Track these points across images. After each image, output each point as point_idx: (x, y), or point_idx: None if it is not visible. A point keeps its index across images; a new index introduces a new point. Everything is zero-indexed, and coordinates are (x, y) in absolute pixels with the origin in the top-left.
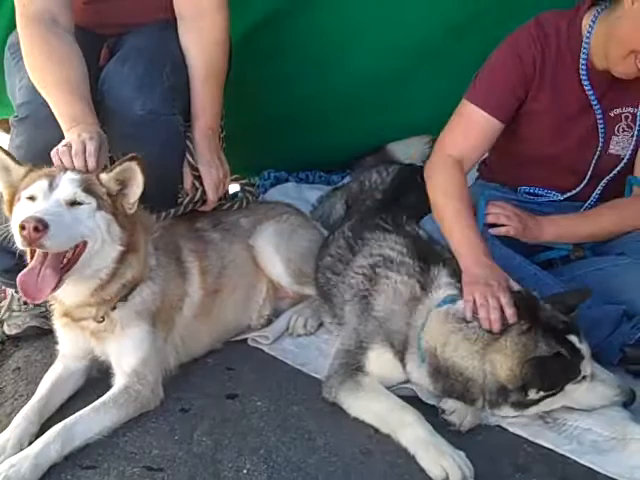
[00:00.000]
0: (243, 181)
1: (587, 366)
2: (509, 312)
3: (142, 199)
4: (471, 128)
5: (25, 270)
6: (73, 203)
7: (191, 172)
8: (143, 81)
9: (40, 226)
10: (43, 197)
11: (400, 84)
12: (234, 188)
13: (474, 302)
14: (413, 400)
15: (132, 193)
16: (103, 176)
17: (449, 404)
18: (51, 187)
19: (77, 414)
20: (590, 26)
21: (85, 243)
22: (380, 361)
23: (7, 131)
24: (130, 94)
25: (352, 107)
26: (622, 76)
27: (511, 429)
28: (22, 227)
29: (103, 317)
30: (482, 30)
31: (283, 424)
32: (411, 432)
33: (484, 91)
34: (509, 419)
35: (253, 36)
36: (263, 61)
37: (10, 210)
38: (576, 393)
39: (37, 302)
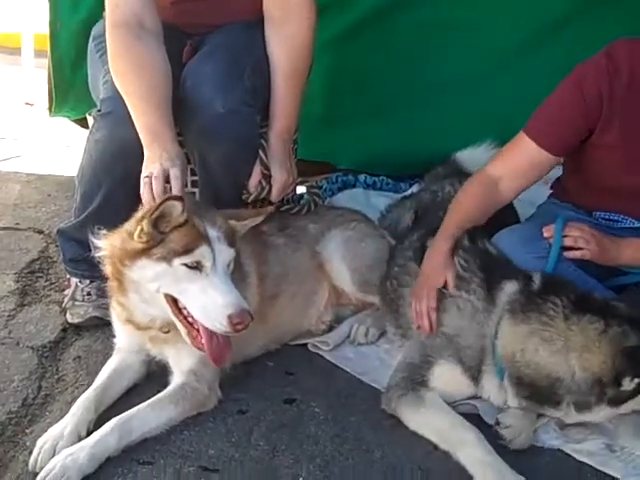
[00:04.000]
0: (309, 184)
1: None
2: (430, 316)
3: (210, 192)
4: (519, 154)
5: (206, 341)
6: (229, 263)
7: (262, 171)
8: (224, 80)
9: (250, 319)
10: (211, 268)
11: (479, 88)
12: (300, 190)
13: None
14: (473, 418)
15: (244, 231)
16: (234, 223)
17: (507, 419)
18: (212, 252)
19: (134, 408)
20: None
21: None
22: (446, 377)
23: (84, 126)
24: (211, 92)
25: (429, 108)
26: None
27: (577, 456)
28: (239, 323)
29: (169, 329)
30: (568, 38)
31: (341, 434)
32: (471, 451)
33: (540, 124)
34: (574, 445)
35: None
36: (355, 57)
37: (138, 255)
38: None
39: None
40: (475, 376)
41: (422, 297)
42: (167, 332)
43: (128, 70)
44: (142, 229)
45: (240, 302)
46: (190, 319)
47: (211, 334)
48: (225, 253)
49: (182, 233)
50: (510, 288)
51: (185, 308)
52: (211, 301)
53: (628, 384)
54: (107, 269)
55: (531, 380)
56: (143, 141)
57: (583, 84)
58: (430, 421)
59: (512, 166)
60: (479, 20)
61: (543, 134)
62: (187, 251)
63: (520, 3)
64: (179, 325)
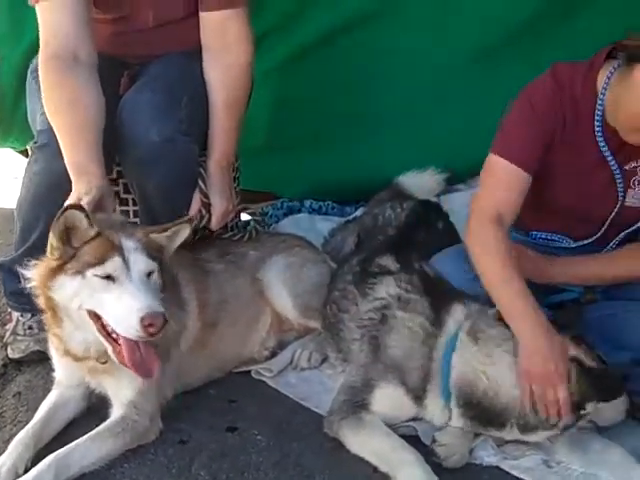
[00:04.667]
0: (251, 211)
1: None
2: (564, 409)
3: (149, 221)
4: (502, 182)
5: (127, 353)
6: (149, 274)
7: (202, 199)
8: (160, 109)
9: (163, 321)
10: (125, 277)
11: (419, 116)
12: (245, 218)
13: (531, 391)
14: (411, 440)
15: (174, 247)
16: (155, 236)
17: (443, 437)
18: (125, 262)
19: (73, 443)
20: (604, 87)
21: None
22: (388, 399)
23: (26, 155)
24: (146, 122)
25: (371, 136)
26: (634, 144)
27: (515, 473)
28: (150, 324)
29: (106, 360)
30: (503, 69)
31: (282, 461)
32: (410, 472)
33: (510, 144)
34: (512, 462)
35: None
36: (296, 86)
37: (55, 273)
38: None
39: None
40: (419, 396)
41: (546, 387)
42: (105, 362)
43: (59, 104)
44: (52, 245)
45: (152, 304)
46: (114, 335)
47: (132, 346)
48: (142, 263)
49: (94, 246)
50: (458, 311)
51: (109, 325)
52: (124, 307)
53: (591, 408)
54: (39, 300)
55: (480, 403)
56: (71, 177)
57: (535, 101)
58: (370, 443)
59: (503, 196)
60: (415, 50)
61: (517, 153)
62: (99, 262)
63: (459, 32)
64: (104, 342)
